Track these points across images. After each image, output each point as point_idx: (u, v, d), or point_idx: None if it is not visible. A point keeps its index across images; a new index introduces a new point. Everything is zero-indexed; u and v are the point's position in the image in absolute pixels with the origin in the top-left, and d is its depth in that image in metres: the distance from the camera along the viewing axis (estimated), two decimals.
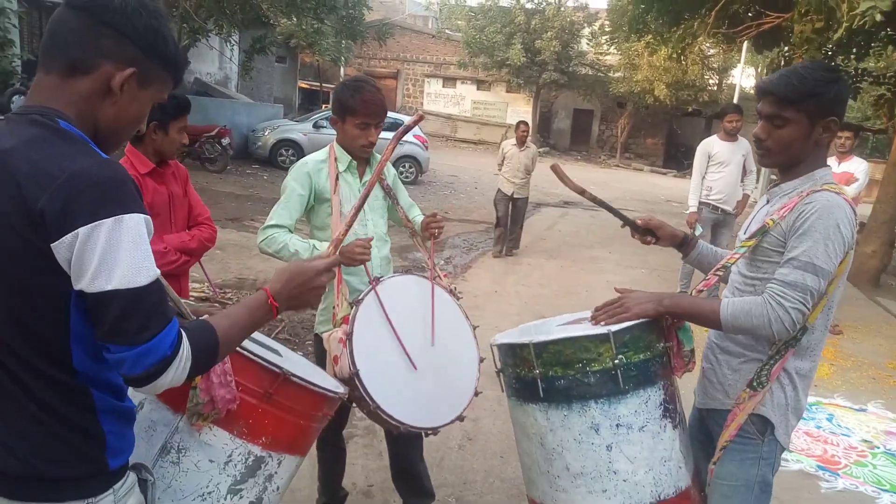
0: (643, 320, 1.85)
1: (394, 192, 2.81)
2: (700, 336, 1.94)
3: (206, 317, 1.33)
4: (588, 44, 28.49)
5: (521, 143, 8.84)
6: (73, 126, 1.20)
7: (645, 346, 1.85)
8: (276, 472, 1.78)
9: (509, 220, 9.11)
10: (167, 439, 1.65)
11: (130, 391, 1.49)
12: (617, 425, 1.83)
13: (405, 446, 2.82)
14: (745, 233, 1.96)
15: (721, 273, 1.95)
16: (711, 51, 23.77)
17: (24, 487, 1.22)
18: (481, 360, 2.57)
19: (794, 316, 1.71)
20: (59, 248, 1.11)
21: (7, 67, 12.76)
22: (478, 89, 31.63)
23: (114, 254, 1.11)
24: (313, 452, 2.90)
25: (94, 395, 1.25)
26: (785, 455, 3.88)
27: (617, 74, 27.07)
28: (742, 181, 6.98)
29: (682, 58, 10.81)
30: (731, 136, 6.79)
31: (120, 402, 1.31)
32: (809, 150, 1.84)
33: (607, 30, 24.16)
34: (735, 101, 22.75)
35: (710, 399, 2.01)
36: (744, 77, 23.95)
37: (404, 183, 12.83)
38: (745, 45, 12.65)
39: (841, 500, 3.57)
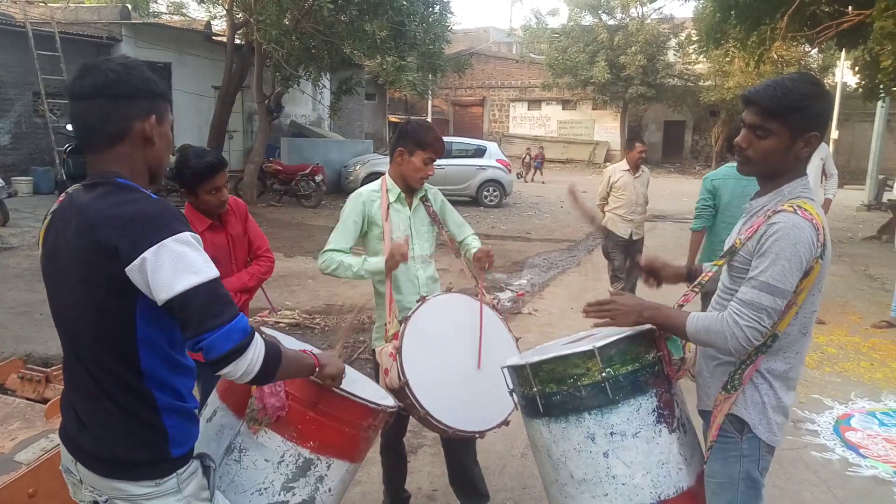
0: (626, 334, 1.98)
1: (440, 218, 3.09)
2: None
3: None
4: (675, 55, 27.98)
5: (637, 167, 6.54)
6: (126, 179, 1.52)
7: (632, 358, 1.98)
8: (326, 475, 2.03)
9: (629, 267, 6.86)
10: (231, 440, 1.98)
11: (209, 399, 1.88)
12: (611, 433, 1.94)
13: (460, 451, 3.08)
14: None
15: (698, 290, 2.05)
16: (811, 51, 22.78)
17: (108, 467, 1.55)
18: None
19: (748, 333, 1.80)
20: (132, 271, 1.41)
21: None
22: (563, 109, 31.68)
23: (182, 261, 1.41)
24: (379, 458, 3.23)
25: (157, 397, 1.55)
26: (858, 461, 3.91)
27: (707, 83, 26.39)
28: (822, 185, 6.83)
29: (761, 63, 10.53)
30: None
31: (181, 403, 1.60)
32: (790, 164, 1.88)
33: (694, 39, 23.68)
34: (837, 99, 21.74)
35: (699, 401, 2.12)
36: (847, 75, 22.77)
37: (489, 206, 12.92)
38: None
39: None
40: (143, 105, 1.53)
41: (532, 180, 24.08)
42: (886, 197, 15.98)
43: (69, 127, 12.67)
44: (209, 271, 1.45)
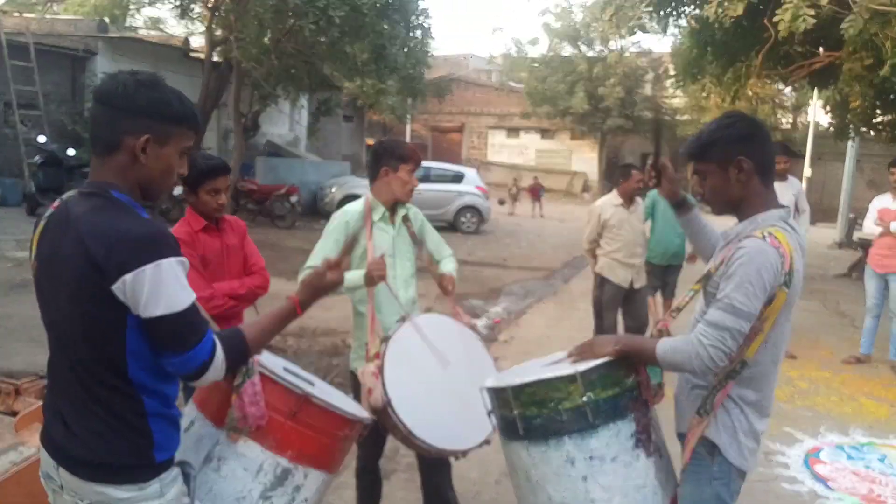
0: (608, 360, 2.00)
1: (419, 238, 3.11)
2: None
3: (241, 325, 1.74)
4: (653, 88, 28.53)
5: (632, 199, 5.60)
6: (122, 193, 1.55)
7: (613, 383, 1.99)
8: (303, 484, 2.03)
9: (625, 323, 5.82)
10: (210, 450, 1.97)
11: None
12: (590, 458, 1.96)
13: (436, 475, 3.06)
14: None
15: (675, 315, 2.12)
16: (785, 90, 23.37)
17: (90, 470, 1.56)
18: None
19: (711, 353, 1.85)
20: (116, 290, 1.46)
21: None
22: (542, 138, 32.06)
23: (157, 289, 1.46)
24: (353, 482, 3.16)
25: (145, 402, 1.58)
26: (826, 493, 3.96)
27: (684, 117, 26.89)
28: (795, 220, 6.93)
29: (736, 100, 10.74)
30: (780, 177, 6.76)
31: (167, 409, 1.64)
32: (739, 192, 2.00)
33: (671, 74, 24.17)
34: (809, 138, 22.27)
35: (677, 424, 2.15)
36: (820, 114, 23.35)
37: (467, 233, 12.95)
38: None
39: None
40: (140, 123, 1.55)
41: (515, 212, 22.34)
42: (856, 235, 16.32)
43: (41, 139, 12.50)
44: (182, 301, 1.51)
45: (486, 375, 2.72)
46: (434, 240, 3.20)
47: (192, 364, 1.55)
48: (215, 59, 14.23)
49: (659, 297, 6.80)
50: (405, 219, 3.05)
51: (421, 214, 3.19)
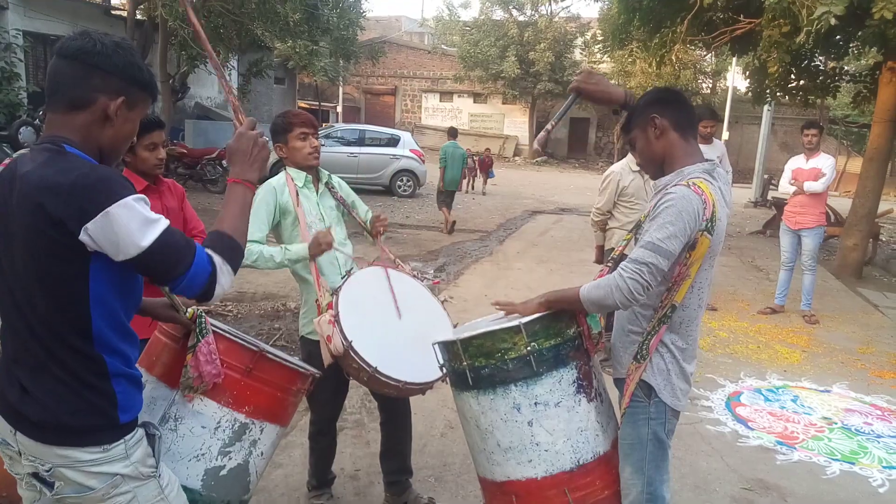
0: (549, 311, 2.13)
1: (347, 202, 3.16)
2: None
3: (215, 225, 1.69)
4: (581, 53, 28.90)
5: None
6: (75, 148, 1.50)
7: (555, 333, 2.12)
8: (259, 439, 2.11)
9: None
10: (166, 410, 1.99)
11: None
12: (535, 403, 2.08)
13: (399, 429, 3.21)
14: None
15: (611, 265, 2.26)
16: (706, 56, 24.09)
17: (52, 433, 1.53)
18: (455, 326, 2.93)
19: (629, 285, 1.97)
20: (84, 238, 1.42)
21: (14, 99, 13.21)
22: (474, 102, 32.06)
23: (131, 224, 1.43)
24: (305, 442, 3.26)
25: (107, 361, 1.56)
26: (747, 433, 4.28)
27: (611, 82, 27.36)
28: None
29: (662, 65, 11.09)
30: (705, 140, 7.09)
31: (128, 369, 1.62)
32: (659, 147, 2.18)
33: (599, 39, 24.53)
34: (728, 102, 23.16)
35: (614, 370, 2.30)
36: (738, 79, 24.25)
37: (403, 196, 13.13)
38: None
39: (794, 470, 3.84)
40: (115, 84, 1.54)
41: (474, 188, 19.02)
42: (771, 195, 17.21)
43: None
44: (160, 224, 1.48)
45: (437, 315, 2.89)
46: (361, 206, 3.27)
47: (202, 277, 1.52)
48: (139, 17, 13.61)
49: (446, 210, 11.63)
50: (328, 185, 3.10)
51: (345, 183, 3.27)
